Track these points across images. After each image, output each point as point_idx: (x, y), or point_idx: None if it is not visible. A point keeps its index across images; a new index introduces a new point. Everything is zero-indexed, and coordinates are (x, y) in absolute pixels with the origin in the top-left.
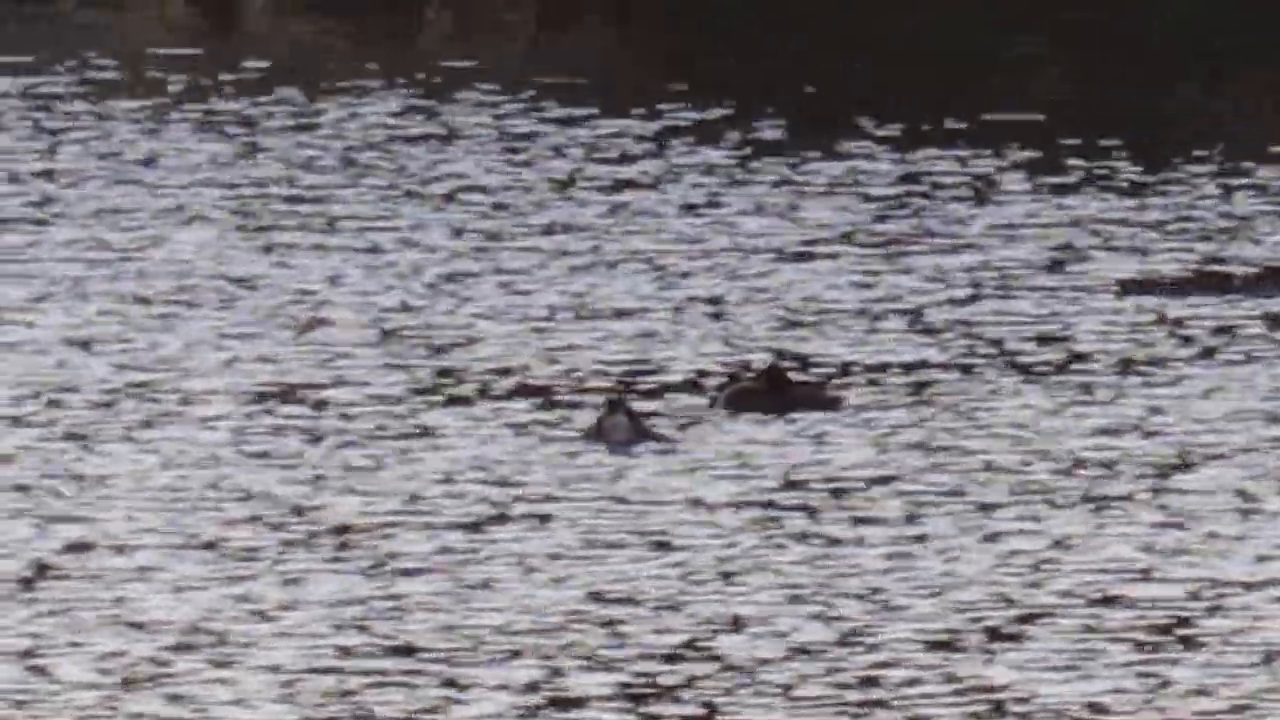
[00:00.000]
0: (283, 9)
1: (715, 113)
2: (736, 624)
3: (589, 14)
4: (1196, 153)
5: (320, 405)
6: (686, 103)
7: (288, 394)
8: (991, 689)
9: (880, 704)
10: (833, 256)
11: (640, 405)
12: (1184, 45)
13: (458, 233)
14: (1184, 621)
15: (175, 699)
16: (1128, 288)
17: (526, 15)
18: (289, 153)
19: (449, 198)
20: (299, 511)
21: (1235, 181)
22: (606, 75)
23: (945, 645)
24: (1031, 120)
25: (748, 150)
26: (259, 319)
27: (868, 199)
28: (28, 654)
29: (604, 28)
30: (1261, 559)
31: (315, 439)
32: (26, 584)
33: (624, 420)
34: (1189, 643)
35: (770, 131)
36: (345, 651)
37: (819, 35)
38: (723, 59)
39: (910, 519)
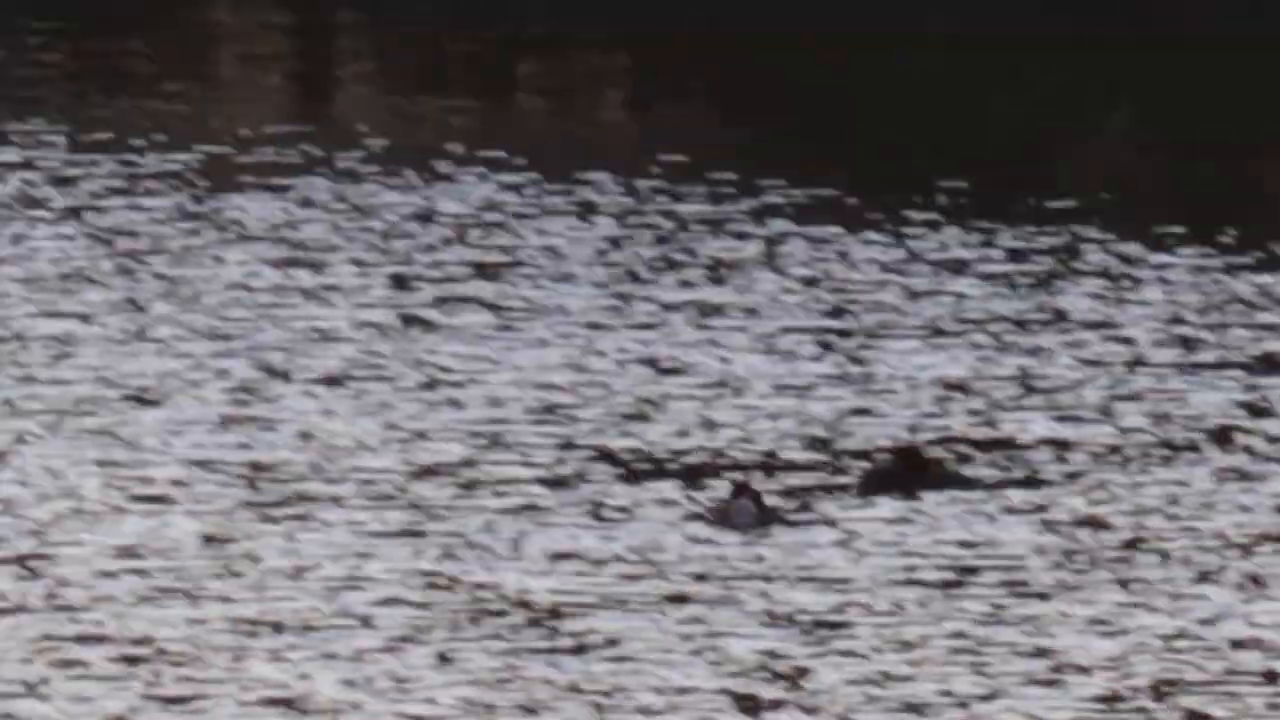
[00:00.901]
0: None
1: (820, 191)
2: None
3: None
4: None
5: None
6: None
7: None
8: None
9: None
10: (959, 335)
11: (776, 486)
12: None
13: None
14: None
15: None
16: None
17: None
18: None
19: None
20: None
21: None
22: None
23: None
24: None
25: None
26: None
27: (989, 277)
28: None
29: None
30: None
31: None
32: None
33: (749, 505)
34: None
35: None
36: None
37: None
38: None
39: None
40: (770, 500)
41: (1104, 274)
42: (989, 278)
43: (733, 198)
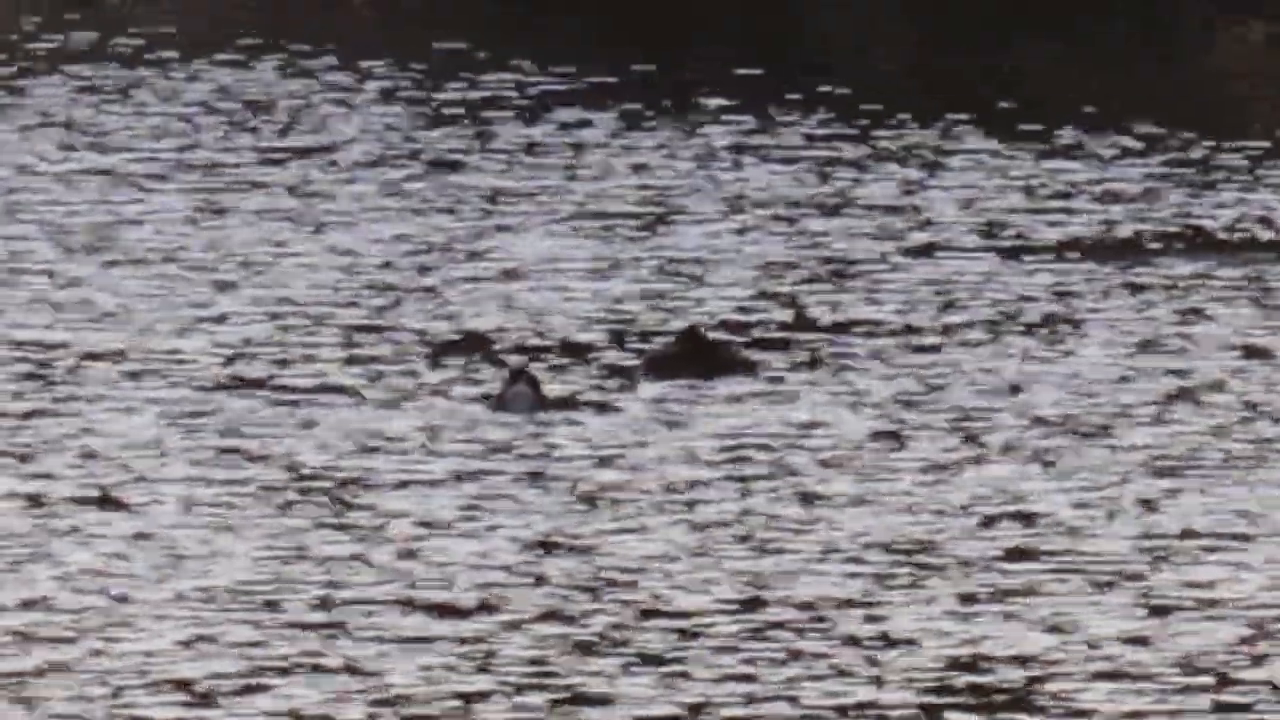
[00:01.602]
0: None
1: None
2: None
3: None
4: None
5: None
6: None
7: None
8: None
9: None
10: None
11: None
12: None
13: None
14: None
15: None
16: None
17: None
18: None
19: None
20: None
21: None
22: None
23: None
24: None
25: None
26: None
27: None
28: None
29: None
30: None
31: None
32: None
33: (525, 390)
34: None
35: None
36: None
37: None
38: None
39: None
40: (552, 385)
41: (900, 160)
42: (786, 162)
43: (522, 85)
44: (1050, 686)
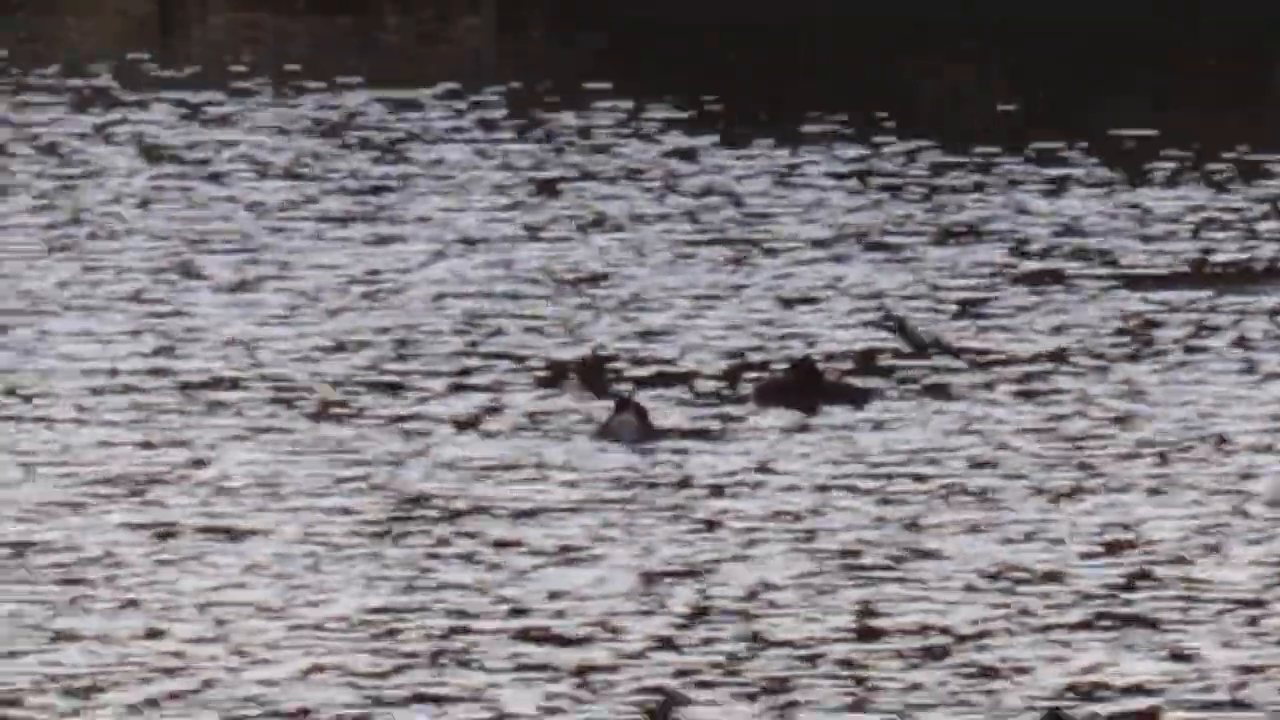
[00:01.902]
0: None
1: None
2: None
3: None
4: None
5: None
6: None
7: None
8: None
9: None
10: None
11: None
12: None
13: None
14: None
15: None
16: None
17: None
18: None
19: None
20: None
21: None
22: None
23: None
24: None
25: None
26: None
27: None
28: None
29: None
30: None
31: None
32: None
33: (631, 419)
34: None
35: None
36: None
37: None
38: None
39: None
40: (661, 413)
41: (990, 186)
42: (888, 189)
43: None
44: (1167, 716)
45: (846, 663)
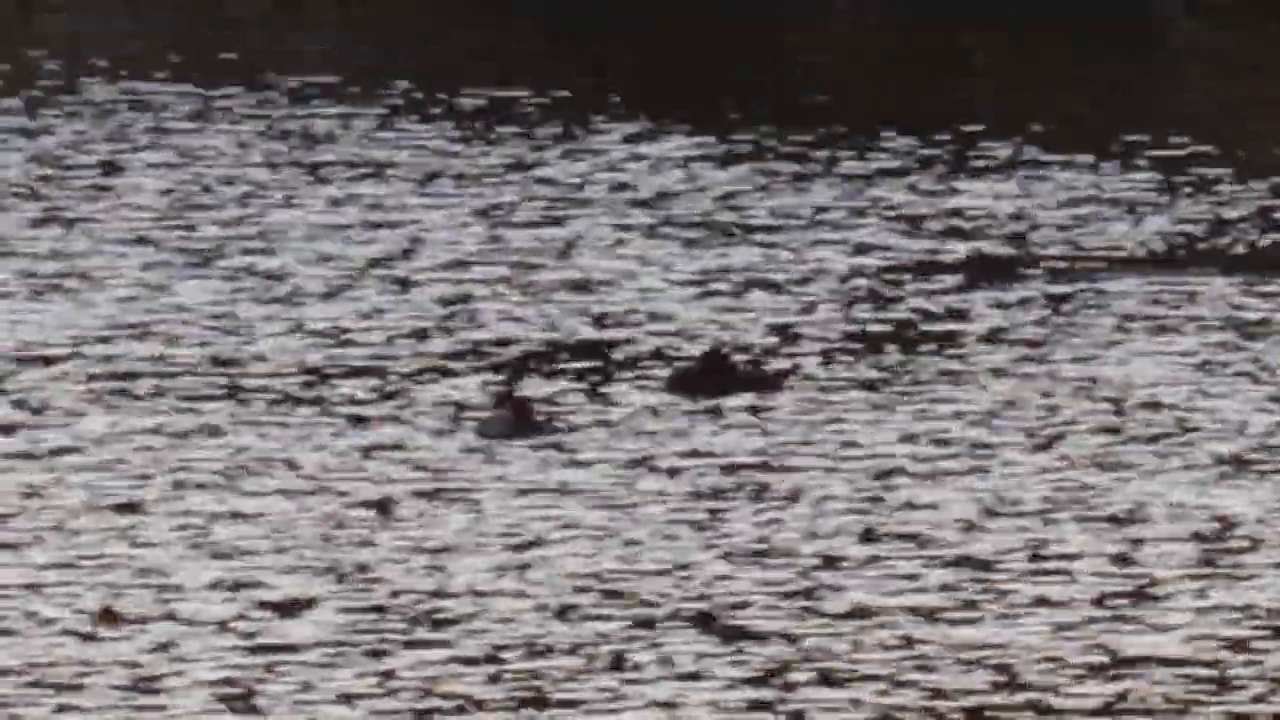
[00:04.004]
0: None
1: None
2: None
3: None
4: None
5: None
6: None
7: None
8: None
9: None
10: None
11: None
12: None
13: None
14: None
15: None
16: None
17: None
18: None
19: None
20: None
21: None
22: None
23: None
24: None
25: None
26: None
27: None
28: None
29: None
30: None
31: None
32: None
33: (507, 414)
34: None
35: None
36: None
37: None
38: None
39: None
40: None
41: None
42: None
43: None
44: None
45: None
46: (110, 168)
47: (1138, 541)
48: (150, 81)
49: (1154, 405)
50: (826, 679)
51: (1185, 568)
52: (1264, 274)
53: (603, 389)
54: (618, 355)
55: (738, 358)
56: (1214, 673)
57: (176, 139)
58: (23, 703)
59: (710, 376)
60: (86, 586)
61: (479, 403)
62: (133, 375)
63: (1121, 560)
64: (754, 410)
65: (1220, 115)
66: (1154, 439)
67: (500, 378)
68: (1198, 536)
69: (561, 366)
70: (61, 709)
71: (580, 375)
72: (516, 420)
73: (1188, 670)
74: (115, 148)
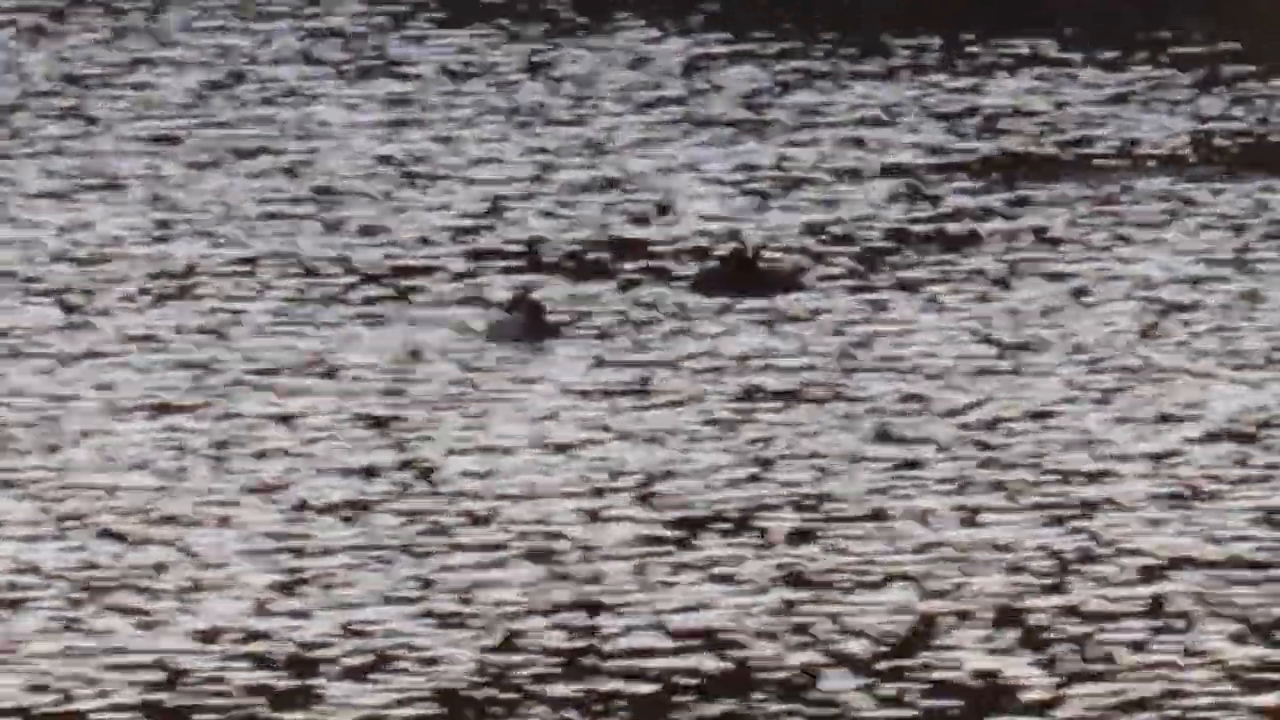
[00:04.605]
0: None
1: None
2: None
3: None
4: None
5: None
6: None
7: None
8: None
9: None
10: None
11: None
12: None
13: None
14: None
15: None
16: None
17: None
18: None
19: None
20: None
21: None
22: None
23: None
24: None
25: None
26: None
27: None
28: None
29: None
30: None
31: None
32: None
33: (520, 316)
34: None
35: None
36: None
37: None
38: None
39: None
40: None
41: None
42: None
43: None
44: None
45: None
46: (135, 66)
47: (1185, 440)
48: None
49: (1192, 306)
50: (860, 582)
51: (1224, 468)
52: None
53: (629, 289)
54: (645, 254)
55: (766, 256)
56: (1252, 574)
57: (204, 38)
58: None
59: (737, 276)
60: (143, 489)
61: (499, 302)
62: (172, 274)
63: (1163, 459)
64: (780, 312)
65: None
66: (1192, 338)
67: (518, 280)
68: (1238, 437)
69: (589, 266)
70: (108, 609)
71: (609, 274)
72: (529, 323)
73: (1225, 572)
74: (138, 48)
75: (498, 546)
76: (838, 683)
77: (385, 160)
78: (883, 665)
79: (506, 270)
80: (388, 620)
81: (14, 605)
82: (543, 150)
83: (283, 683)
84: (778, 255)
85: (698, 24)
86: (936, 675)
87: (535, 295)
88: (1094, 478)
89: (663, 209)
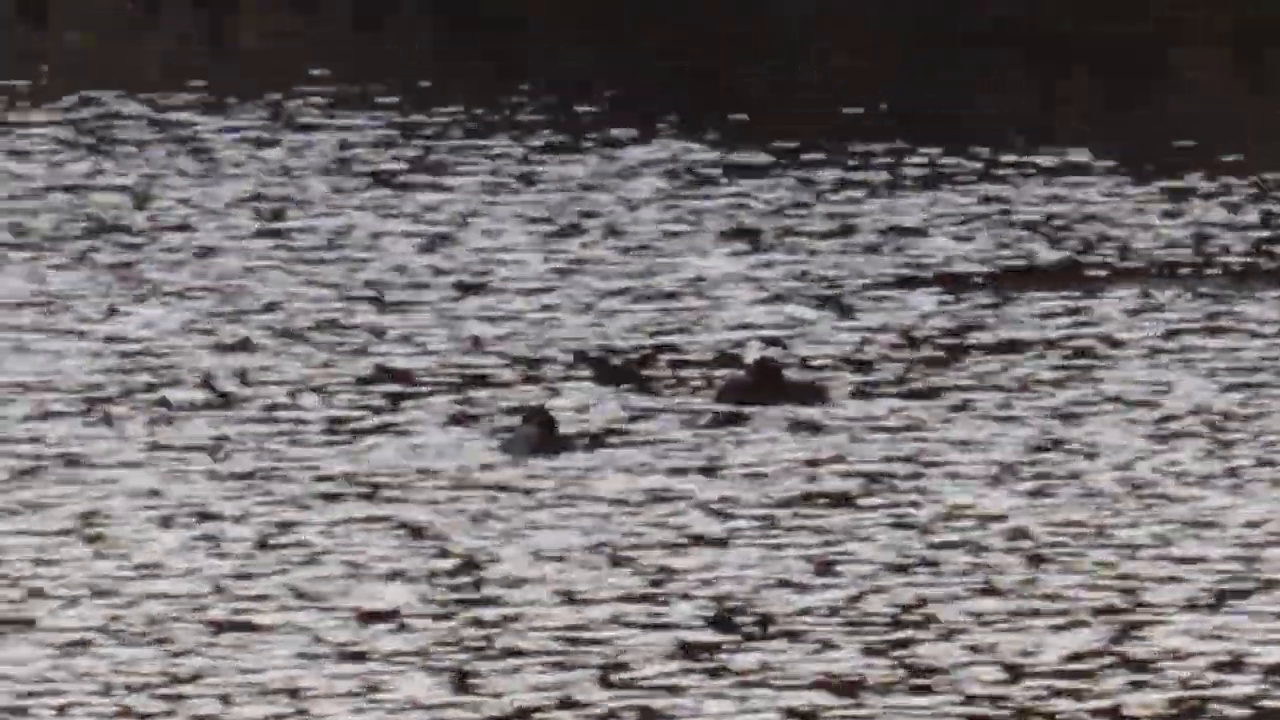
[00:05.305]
0: None
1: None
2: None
3: None
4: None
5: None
6: None
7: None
8: None
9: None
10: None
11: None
12: None
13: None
14: None
15: None
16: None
17: None
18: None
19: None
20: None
21: None
22: None
23: None
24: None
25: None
26: None
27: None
28: None
29: None
30: None
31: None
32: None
33: (530, 432)
34: None
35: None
36: None
37: None
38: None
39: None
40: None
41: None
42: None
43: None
44: None
45: None
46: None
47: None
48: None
49: (1210, 415)
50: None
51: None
52: None
53: (650, 400)
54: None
55: (789, 368)
56: None
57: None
58: None
59: (761, 386)
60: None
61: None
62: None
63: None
64: (803, 422)
65: None
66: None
67: (534, 392)
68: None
69: (612, 373)
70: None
71: (634, 384)
72: (541, 437)
73: None
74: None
75: (547, 653)
76: None
77: (425, 268)
78: None
79: (522, 381)
80: None
81: None
82: (574, 259)
83: None
84: (805, 366)
85: (733, 131)
86: None
87: (549, 406)
88: (1163, 582)
89: (694, 319)
